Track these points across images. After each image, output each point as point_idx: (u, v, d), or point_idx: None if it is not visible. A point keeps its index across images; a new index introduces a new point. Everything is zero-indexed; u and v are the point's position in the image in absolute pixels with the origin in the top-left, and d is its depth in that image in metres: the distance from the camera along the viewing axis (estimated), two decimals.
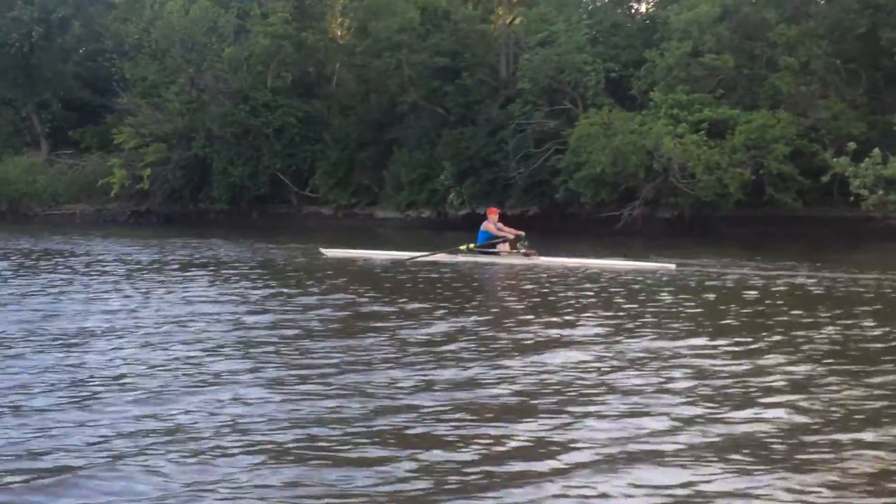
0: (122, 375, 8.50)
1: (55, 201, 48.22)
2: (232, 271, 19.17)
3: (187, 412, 7.17)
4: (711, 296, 15.06)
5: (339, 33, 47.60)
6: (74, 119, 53.18)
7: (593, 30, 36.55)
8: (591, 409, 7.37)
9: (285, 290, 15.54)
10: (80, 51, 55.34)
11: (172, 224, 44.71)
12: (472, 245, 21.24)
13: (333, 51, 45.79)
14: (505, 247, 20.85)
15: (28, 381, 8.21)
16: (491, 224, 21.33)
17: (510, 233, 21.17)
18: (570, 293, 15.47)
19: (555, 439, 6.53)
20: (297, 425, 6.79)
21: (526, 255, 20.15)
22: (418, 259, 20.94)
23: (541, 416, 7.13)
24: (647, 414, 7.21)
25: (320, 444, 6.36)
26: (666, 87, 33.18)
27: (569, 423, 6.90)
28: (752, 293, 15.27)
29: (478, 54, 39.79)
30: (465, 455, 6.15)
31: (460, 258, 20.92)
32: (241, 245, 28.26)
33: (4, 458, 6.02)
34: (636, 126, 32.45)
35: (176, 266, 20.35)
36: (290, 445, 6.28)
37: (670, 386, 8.18)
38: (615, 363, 9.23)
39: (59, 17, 50.13)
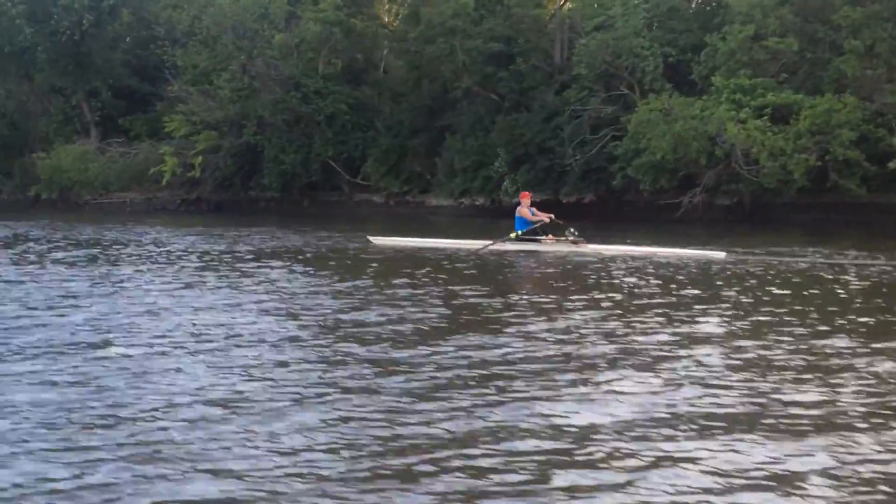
0: (240, 382, 8.17)
1: (106, 189, 48.39)
2: (308, 262, 18.86)
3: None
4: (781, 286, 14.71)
5: (388, 19, 47.38)
6: (123, 107, 53.39)
7: (650, 13, 35.97)
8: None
9: (376, 282, 15.10)
10: (128, 39, 55.56)
11: (223, 212, 44.72)
12: (517, 233, 20.95)
13: (383, 37, 45.63)
14: (550, 236, 20.72)
15: (135, 378, 8.03)
16: (525, 209, 21.10)
17: (543, 216, 20.96)
18: (631, 279, 15.32)
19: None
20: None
21: (574, 242, 20.05)
22: (470, 249, 20.77)
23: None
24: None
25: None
26: (727, 71, 32.62)
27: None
28: (830, 283, 14.90)
29: (531, 39, 39.40)
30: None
31: (509, 246, 20.65)
32: (301, 233, 28.09)
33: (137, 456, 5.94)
34: (697, 112, 31.91)
35: (250, 256, 20.08)
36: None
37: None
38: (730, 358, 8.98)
39: (110, 5, 50.26)
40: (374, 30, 45.31)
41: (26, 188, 54.85)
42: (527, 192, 22.69)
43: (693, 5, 38.81)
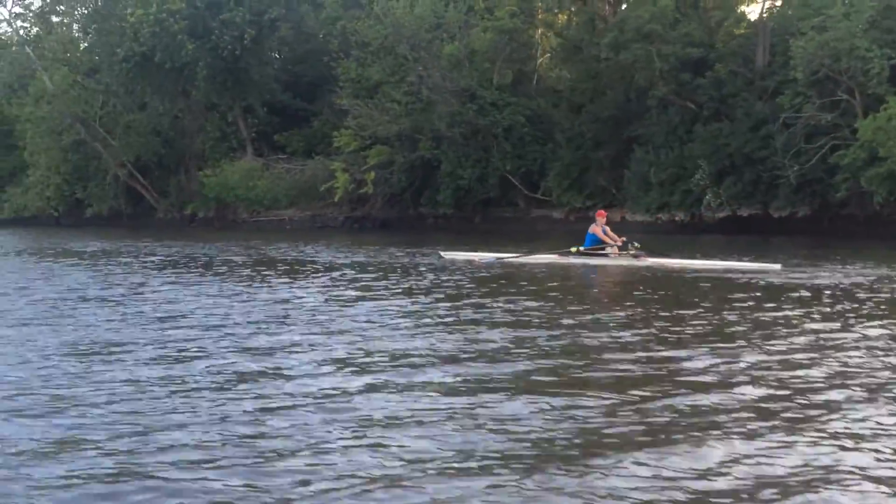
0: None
1: (273, 206, 47.33)
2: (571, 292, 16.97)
3: None
4: None
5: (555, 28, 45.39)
6: (277, 123, 52.52)
7: (873, 13, 33.20)
8: None
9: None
10: (279, 54, 54.75)
11: (391, 229, 43.11)
12: (580, 248, 21.25)
13: (553, 45, 43.75)
14: (614, 249, 20.95)
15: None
16: (598, 227, 21.23)
17: (616, 239, 21.06)
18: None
19: None
20: None
21: (635, 256, 20.35)
22: (529, 260, 21.24)
23: None
24: None
25: None
26: None
27: None
28: None
29: (730, 44, 36.96)
30: None
31: (572, 259, 21.00)
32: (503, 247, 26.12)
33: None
34: None
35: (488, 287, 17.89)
36: None
37: None
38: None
39: (271, 18, 49.35)
40: (545, 38, 43.40)
41: (182, 206, 54.43)
42: (603, 211, 23.01)
43: None
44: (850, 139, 31.51)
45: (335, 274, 19.73)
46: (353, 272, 20.20)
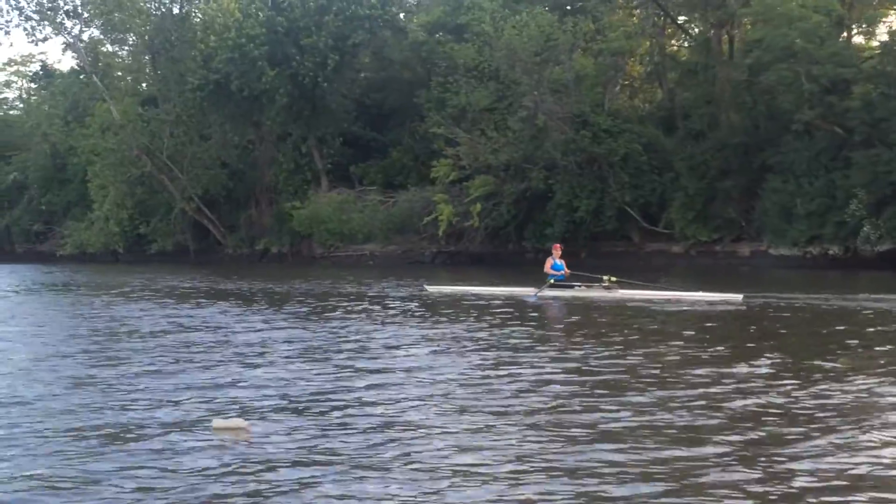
0: None
1: (367, 241, 44.39)
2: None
3: None
4: None
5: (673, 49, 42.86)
6: (350, 154, 49.84)
7: None
8: None
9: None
10: (356, 82, 52.21)
11: (490, 265, 40.09)
12: (550, 282, 22.80)
13: (670, 68, 41.14)
14: (582, 285, 22.54)
15: None
16: (550, 261, 23.33)
17: (566, 272, 23.19)
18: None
19: None
20: None
21: (607, 288, 21.61)
22: (538, 294, 22.26)
23: None
24: None
25: None
26: None
27: None
28: None
29: (876, 63, 34.22)
30: None
31: (546, 292, 22.39)
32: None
33: None
34: None
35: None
36: None
37: None
38: None
39: (353, 44, 46.75)
40: (661, 61, 40.80)
41: (252, 242, 51.64)
42: (557, 245, 24.54)
43: None
44: None
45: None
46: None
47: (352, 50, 47.13)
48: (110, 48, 58.47)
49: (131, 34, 52.67)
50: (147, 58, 53.02)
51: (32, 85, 76.82)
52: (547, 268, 23.24)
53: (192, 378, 11.63)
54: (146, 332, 16.92)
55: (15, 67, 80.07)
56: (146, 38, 51.18)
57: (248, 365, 12.61)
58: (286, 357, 13.30)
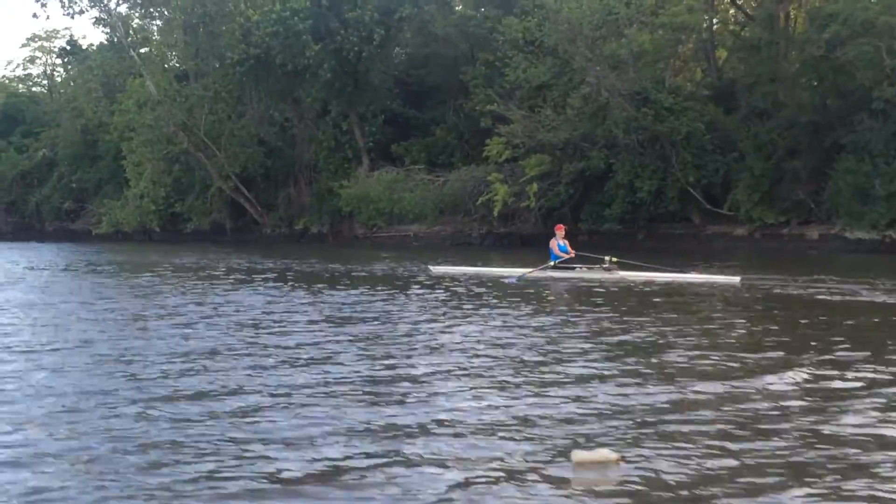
0: None
1: (417, 220, 43.18)
2: None
3: None
4: None
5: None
6: (390, 132, 48.60)
7: None
8: None
9: None
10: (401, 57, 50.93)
11: (542, 247, 38.60)
12: (553, 263, 22.30)
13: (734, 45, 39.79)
14: (584, 266, 22.06)
15: None
16: (554, 241, 22.63)
17: (571, 253, 22.53)
18: None
19: None
20: None
21: (607, 269, 21.36)
22: (525, 276, 21.70)
23: None
24: None
25: None
26: None
27: None
28: None
29: None
30: None
31: (548, 273, 21.97)
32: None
33: None
34: None
35: None
36: None
37: None
38: None
39: (399, 18, 45.43)
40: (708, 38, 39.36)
41: (291, 221, 50.49)
42: (561, 225, 24.09)
43: None
44: None
45: None
46: None
47: (397, 24, 45.79)
48: (144, 22, 57.20)
49: (167, 8, 51.20)
50: (179, 33, 51.46)
51: (58, 61, 75.61)
52: (554, 248, 22.54)
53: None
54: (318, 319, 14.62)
55: (39, 43, 78.88)
56: (184, 11, 49.67)
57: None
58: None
